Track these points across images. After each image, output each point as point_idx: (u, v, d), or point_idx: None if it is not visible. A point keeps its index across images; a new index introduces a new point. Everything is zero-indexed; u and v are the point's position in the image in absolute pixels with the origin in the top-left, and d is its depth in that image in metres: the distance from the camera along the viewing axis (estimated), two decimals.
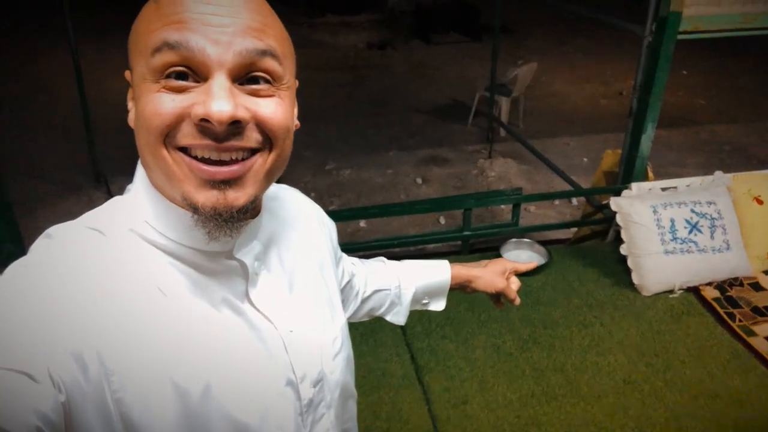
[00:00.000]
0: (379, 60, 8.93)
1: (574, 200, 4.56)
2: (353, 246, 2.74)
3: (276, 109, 0.60)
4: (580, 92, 7.37)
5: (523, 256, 2.78)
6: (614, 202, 2.61)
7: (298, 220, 0.83)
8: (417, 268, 1.15)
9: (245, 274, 0.68)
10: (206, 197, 0.58)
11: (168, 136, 0.57)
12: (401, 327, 2.22)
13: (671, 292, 2.44)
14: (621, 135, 2.91)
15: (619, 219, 2.58)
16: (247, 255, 0.68)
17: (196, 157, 0.57)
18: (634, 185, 2.70)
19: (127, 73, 0.63)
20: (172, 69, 0.56)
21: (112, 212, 0.65)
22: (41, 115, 6.11)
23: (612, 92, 7.23)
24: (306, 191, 0.92)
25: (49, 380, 0.51)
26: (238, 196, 0.59)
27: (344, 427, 0.83)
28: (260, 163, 0.60)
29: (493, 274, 1.14)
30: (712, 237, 2.49)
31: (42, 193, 4.48)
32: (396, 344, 2.19)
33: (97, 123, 4.64)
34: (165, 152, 0.57)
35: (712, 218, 2.52)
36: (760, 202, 2.62)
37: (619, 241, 2.58)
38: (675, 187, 2.71)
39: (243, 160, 0.59)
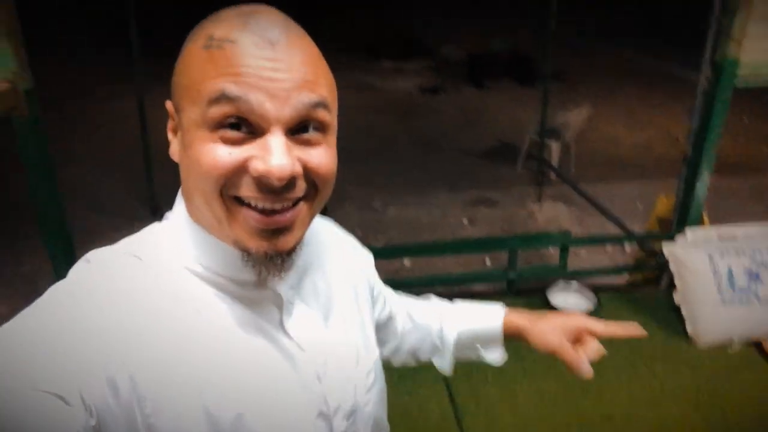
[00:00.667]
0: (430, 104, 9.04)
1: (627, 246, 4.42)
2: (396, 284, 2.69)
3: (324, 158, 0.62)
4: (634, 137, 7.23)
5: (570, 300, 2.70)
6: (668, 249, 2.52)
7: (333, 248, 0.83)
8: (465, 311, 1.06)
9: (280, 304, 0.69)
10: (259, 244, 0.60)
11: (224, 186, 0.59)
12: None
13: (729, 344, 2.31)
14: (676, 181, 2.82)
15: (672, 266, 2.49)
16: (281, 284, 0.69)
17: (249, 205, 0.59)
18: (689, 231, 2.60)
19: (168, 104, 0.64)
20: (228, 120, 0.57)
21: (149, 239, 0.67)
22: (102, 149, 6.42)
23: (667, 138, 7.07)
24: (351, 228, 0.93)
25: (81, 403, 0.52)
26: (288, 241, 0.62)
27: None
28: (307, 208, 0.63)
29: (549, 330, 0.95)
30: None
31: (100, 225, 4.65)
32: (435, 384, 2.14)
33: (156, 158, 4.85)
34: (220, 200, 0.59)
35: None
36: None
37: (673, 288, 2.47)
38: (733, 235, 2.60)
39: (293, 207, 0.61)
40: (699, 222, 2.73)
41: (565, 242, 2.82)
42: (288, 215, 0.60)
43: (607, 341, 2.13)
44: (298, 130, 0.60)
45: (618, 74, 10.04)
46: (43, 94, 2.05)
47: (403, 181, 5.92)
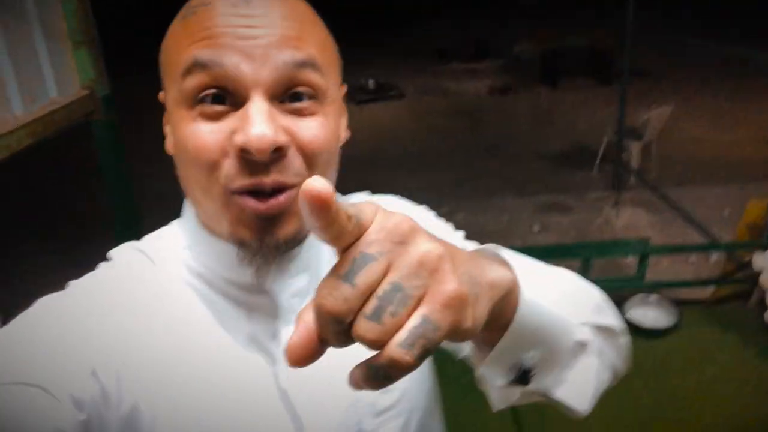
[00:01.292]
0: (501, 105, 8.89)
1: (713, 256, 4.13)
2: None
3: (318, 131, 0.55)
4: (723, 138, 6.78)
5: (649, 314, 2.54)
6: (759, 259, 2.32)
7: None
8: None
9: (275, 312, 0.63)
10: (253, 232, 0.55)
11: (217, 172, 0.54)
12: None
13: None
14: None
15: (764, 279, 2.29)
16: (283, 290, 0.63)
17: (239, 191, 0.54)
18: None
19: (161, 95, 0.61)
20: (206, 92, 0.53)
21: (163, 236, 0.67)
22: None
23: (759, 138, 6.58)
24: None
25: (69, 398, 0.51)
26: (284, 230, 0.56)
27: None
28: None
29: None
30: None
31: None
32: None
33: None
34: (215, 189, 0.55)
35: None
36: None
37: (765, 305, 2.27)
38: None
39: (286, 189, 0.55)
40: None
41: (645, 251, 2.67)
42: (282, 198, 0.54)
43: (693, 364, 1.91)
44: (291, 98, 0.54)
45: (705, 70, 9.50)
46: (122, 101, 2.14)
47: (471, 185, 5.83)
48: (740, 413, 1.95)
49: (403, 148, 7.05)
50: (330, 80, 0.58)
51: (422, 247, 0.35)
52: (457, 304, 0.35)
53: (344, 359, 0.68)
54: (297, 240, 0.59)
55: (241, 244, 0.57)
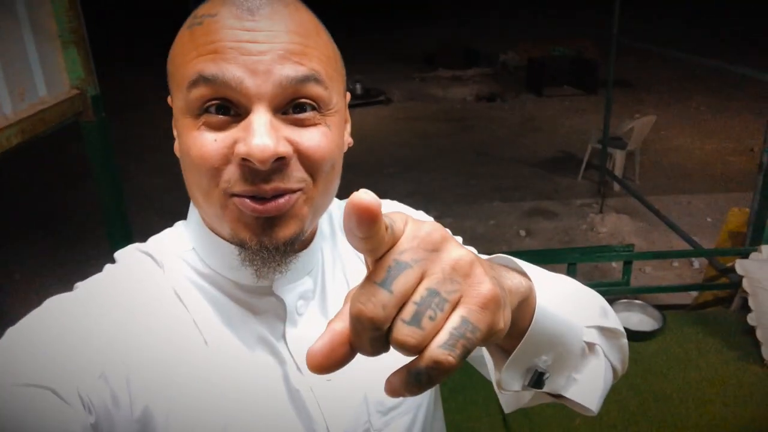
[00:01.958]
0: (487, 112, 8.93)
1: (696, 262, 4.18)
2: None
3: (320, 140, 0.56)
4: (704, 148, 6.88)
5: (633, 319, 2.57)
6: (741, 265, 2.35)
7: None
8: None
9: (282, 312, 0.64)
10: (252, 234, 0.56)
11: (219, 178, 0.55)
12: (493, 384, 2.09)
13: None
14: (749, 194, 2.65)
15: (746, 284, 2.32)
16: (289, 292, 0.64)
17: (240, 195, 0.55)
18: (765, 247, 2.43)
19: (169, 99, 0.62)
20: (210, 103, 0.54)
21: (169, 238, 0.67)
22: (165, 160, 6.67)
23: (740, 148, 6.68)
24: None
25: (78, 400, 0.50)
26: (283, 232, 0.56)
27: None
28: (303, 199, 0.57)
29: None
30: None
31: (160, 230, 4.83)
32: (487, 403, 2.07)
33: None
34: (216, 194, 0.56)
35: None
36: None
37: (746, 309, 2.31)
38: None
39: (287, 194, 0.56)
40: None
41: (629, 257, 2.69)
42: (282, 201, 0.54)
43: (676, 366, 1.93)
44: (292, 109, 0.55)
45: (688, 81, 9.63)
46: (111, 100, 2.13)
47: (458, 190, 5.85)
48: (722, 414, 1.98)
49: (389, 154, 7.06)
50: (333, 91, 0.58)
51: (454, 254, 0.36)
52: (493, 305, 0.36)
53: (364, 365, 0.68)
54: (298, 243, 0.59)
55: (241, 244, 0.57)
